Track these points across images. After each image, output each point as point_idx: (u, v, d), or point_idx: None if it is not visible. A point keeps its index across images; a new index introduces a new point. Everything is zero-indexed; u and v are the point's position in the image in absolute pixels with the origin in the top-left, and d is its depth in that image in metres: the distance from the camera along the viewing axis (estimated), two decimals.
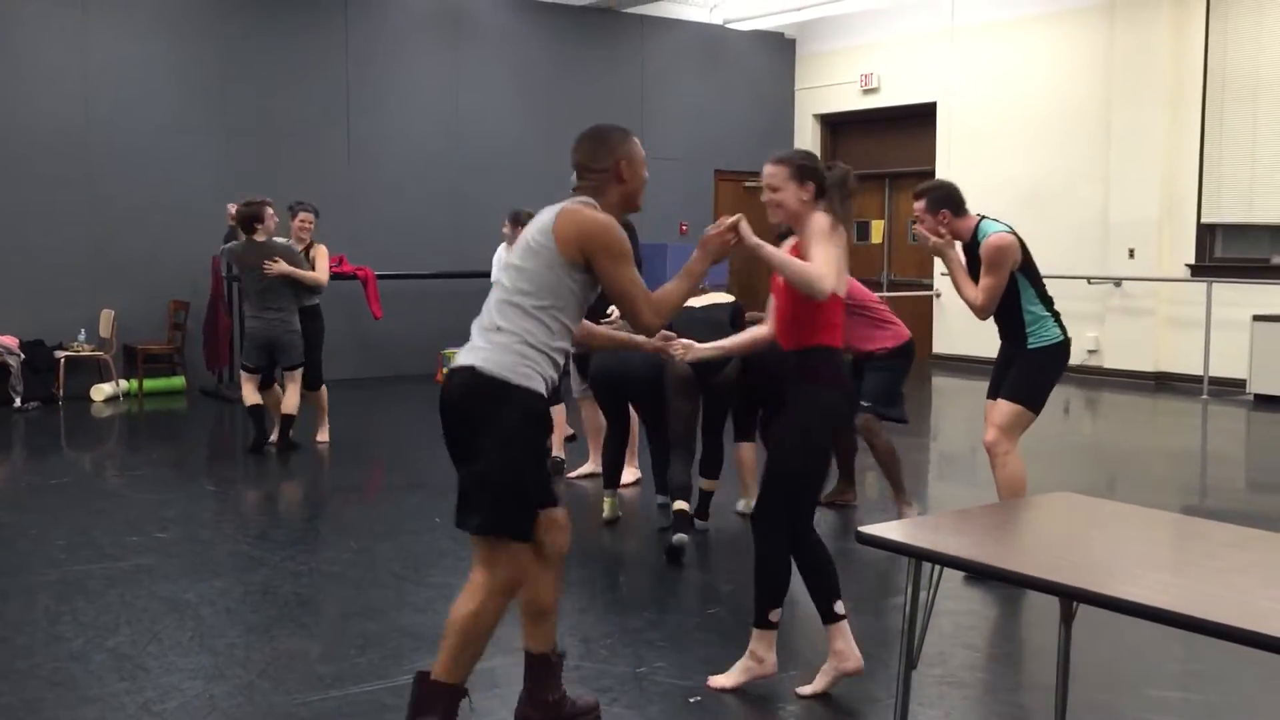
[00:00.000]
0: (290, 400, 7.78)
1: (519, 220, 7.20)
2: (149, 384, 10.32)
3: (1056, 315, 5.04)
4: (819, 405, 3.49)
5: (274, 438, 7.87)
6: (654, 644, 4.17)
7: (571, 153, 3.27)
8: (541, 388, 3.05)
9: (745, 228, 3.26)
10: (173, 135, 10.59)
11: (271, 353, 7.69)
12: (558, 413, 7.63)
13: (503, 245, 7.90)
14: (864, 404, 5.56)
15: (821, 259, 3.37)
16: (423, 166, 11.79)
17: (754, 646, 3.69)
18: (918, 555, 2.55)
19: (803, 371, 3.54)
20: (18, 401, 9.54)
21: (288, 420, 7.79)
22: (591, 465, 7.09)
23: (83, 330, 10.18)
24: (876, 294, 6.29)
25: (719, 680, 3.72)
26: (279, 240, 7.77)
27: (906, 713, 2.72)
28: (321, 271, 7.81)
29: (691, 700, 3.66)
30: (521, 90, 12.51)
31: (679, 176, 13.60)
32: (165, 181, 10.55)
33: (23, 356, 9.72)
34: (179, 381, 10.54)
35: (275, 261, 7.53)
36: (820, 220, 3.53)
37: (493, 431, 2.98)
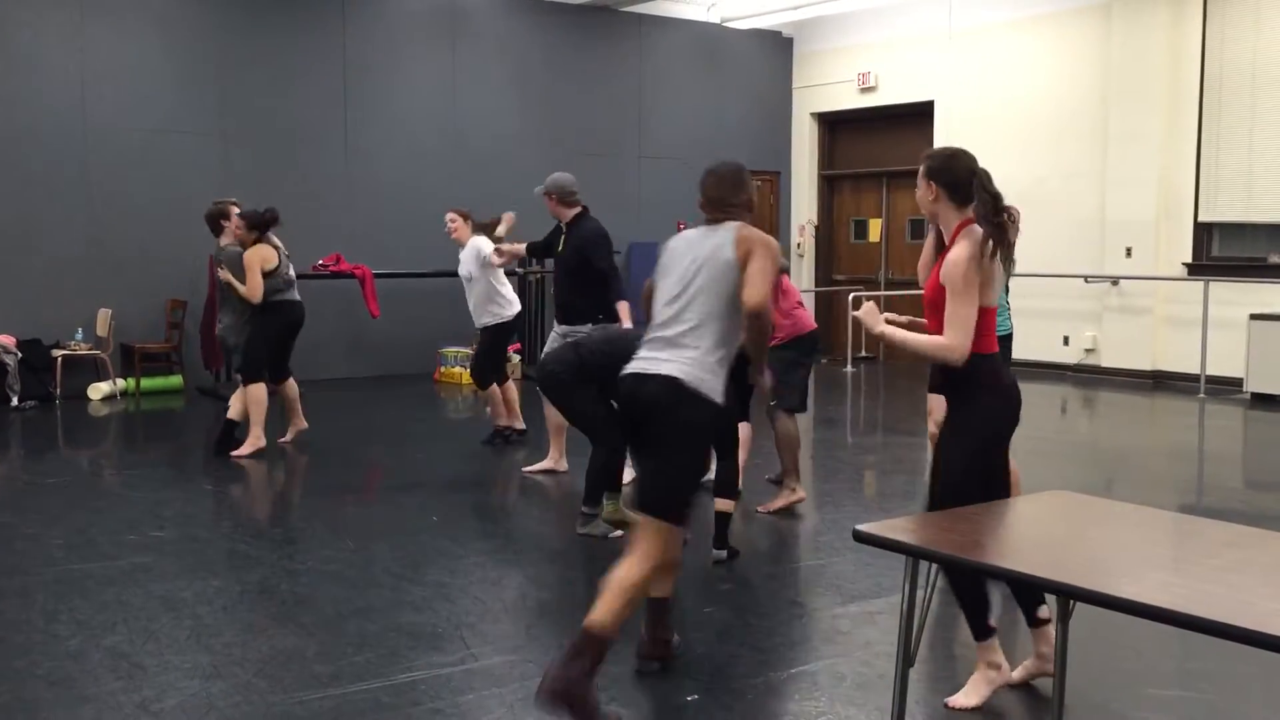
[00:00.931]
0: (233, 407, 7.72)
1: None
2: (146, 383, 10.31)
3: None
4: (985, 411, 3.44)
5: (286, 437, 8.01)
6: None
7: (705, 187, 3.86)
8: (720, 400, 3.61)
9: (865, 318, 3.52)
10: (170, 135, 10.58)
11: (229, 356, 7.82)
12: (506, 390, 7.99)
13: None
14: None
15: (950, 321, 3.33)
16: (420, 165, 11.78)
17: (987, 658, 3.54)
18: (915, 554, 2.55)
19: (963, 380, 3.43)
20: (15, 400, 9.53)
21: (225, 424, 7.69)
22: (550, 462, 7.11)
23: (80, 329, 10.17)
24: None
25: (959, 700, 3.51)
26: (233, 247, 7.70)
27: (904, 710, 2.72)
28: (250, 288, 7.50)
29: (689, 699, 3.66)
30: (519, 89, 12.50)
31: (676, 175, 13.58)
32: (162, 181, 10.54)
33: (20, 355, 9.70)
34: (176, 380, 10.53)
35: (222, 268, 7.62)
36: (959, 251, 3.43)
37: (680, 435, 3.56)
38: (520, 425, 8.09)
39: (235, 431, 7.68)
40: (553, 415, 6.94)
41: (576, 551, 5.41)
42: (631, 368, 3.66)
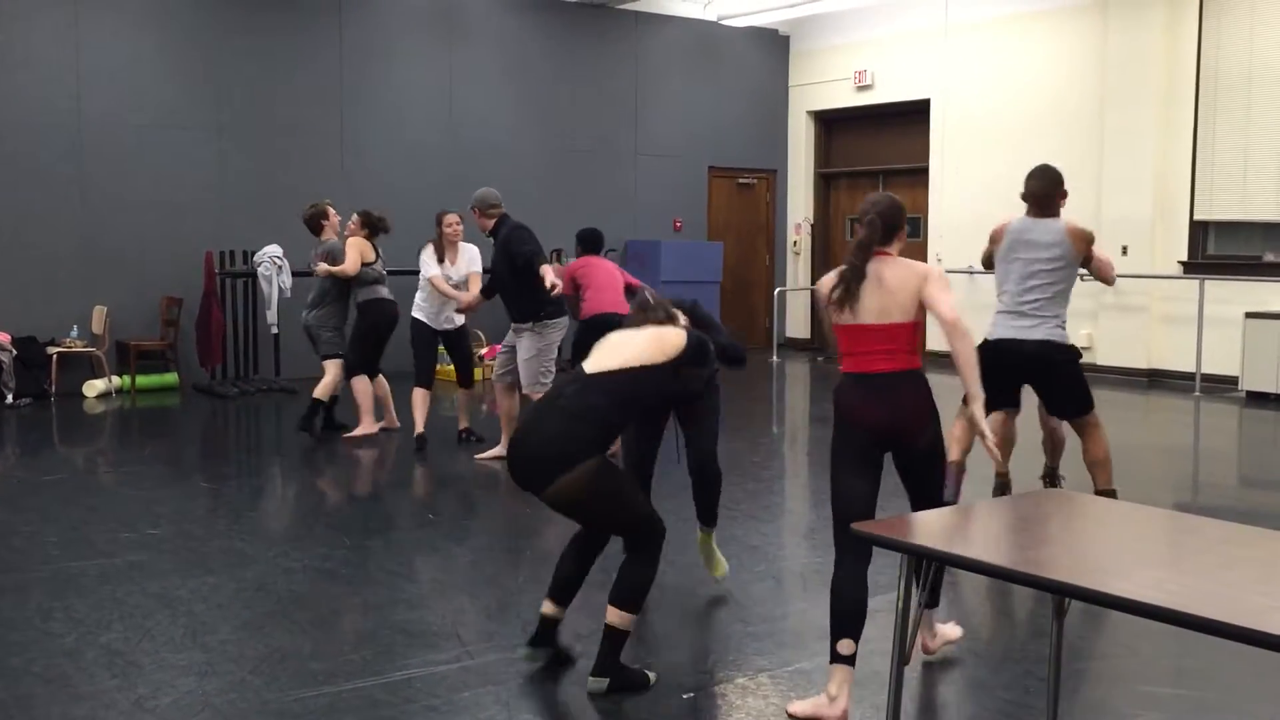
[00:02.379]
0: (319, 387, 8.16)
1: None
2: (142, 380, 10.30)
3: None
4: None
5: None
6: (645, 640, 4.17)
7: (1034, 182, 5.54)
8: None
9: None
10: (166, 131, 10.57)
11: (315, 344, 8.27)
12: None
13: (430, 246, 7.82)
14: None
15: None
16: (418, 162, 11.77)
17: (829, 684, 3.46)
18: (911, 552, 2.55)
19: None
20: (10, 398, 9.51)
21: (311, 404, 8.13)
22: (502, 449, 7.16)
23: (75, 326, 10.15)
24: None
25: (794, 708, 3.49)
26: (333, 241, 8.29)
27: (899, 707, 2.72)
28: (348, 263, 8.07)
29: (685, 697, 3.66)
30: (516, 86, 12.49)
31: (673, 173, 13.61)
32: (158, 177, 10.52)
33: (15, 353, 9.69)
34: (172, 378, 10.51)
35: (319, 262, 8.14)
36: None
37: (1069, 371, 5.31)
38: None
39: (320, 410, 8.12)
40: (506, 404, 7.28)
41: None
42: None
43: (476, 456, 7.35)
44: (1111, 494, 5.36)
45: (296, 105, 11.19)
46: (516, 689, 3.68)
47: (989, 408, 4.29)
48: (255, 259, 10.20)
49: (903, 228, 3.69)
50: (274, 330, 10.23)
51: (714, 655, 4.07)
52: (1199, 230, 11.13)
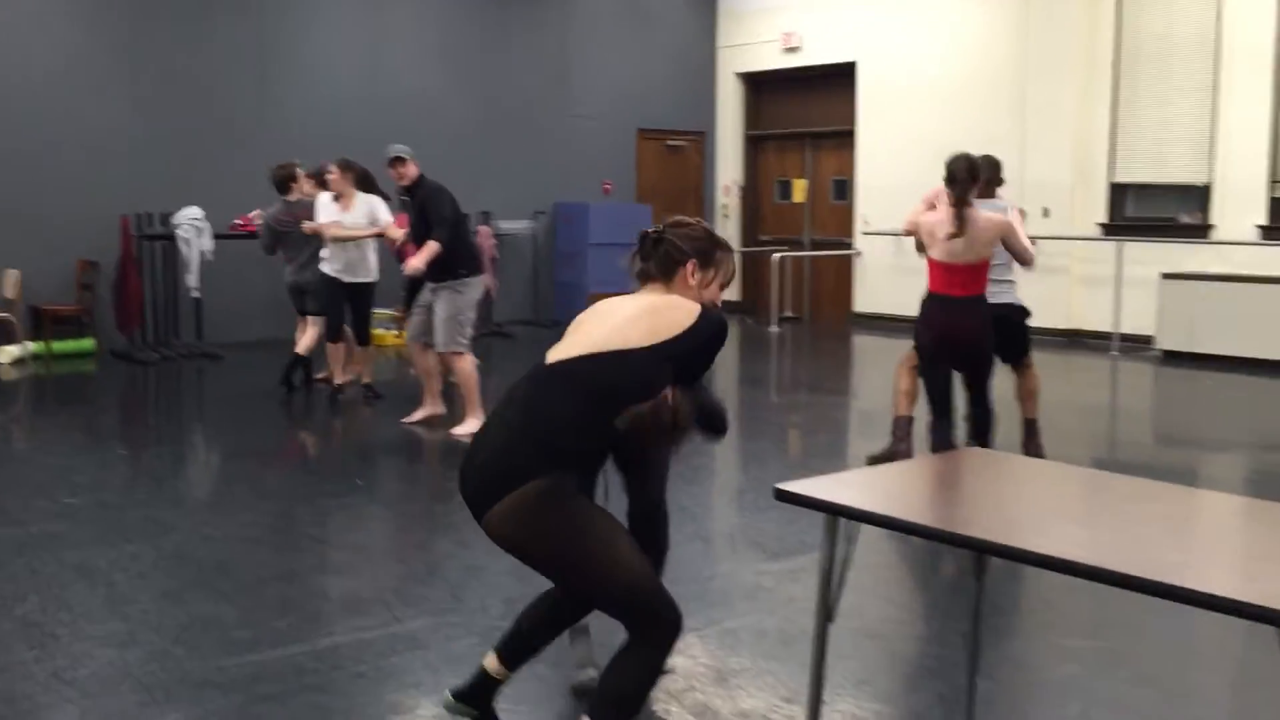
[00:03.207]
0: (304, 342, 8.27)
1: (350, 167, 7.74)
2: (57, 346, 10.03)
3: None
4: None
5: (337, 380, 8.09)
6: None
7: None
8: None
9: None
10: (79, 90, 10.23)
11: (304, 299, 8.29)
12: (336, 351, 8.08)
13: (328, 195, 7.82)
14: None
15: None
16: (340, 123, 11.52)
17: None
18: (834, 511, 2.58)
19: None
20: None
21: (292, 358, 8.24)
22: (429, 409, 7.29)
23: None
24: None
25: None
26: (305, 200, 8.20)
27: (823, 664, 2.76)
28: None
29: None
30: (441, 46, 12.29)
31: (602, 135, 13.52)
32: (70, 138, 10.19)
33: None
34: (89, 343, 10.25)
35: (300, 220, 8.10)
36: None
37: (1024, 328, 6.20)
38: (344, 379, 8.14)
39: (299, 365, 8.23)
40: (423, 363, 7.23)
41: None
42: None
43: (403, 420, 7.29)
44: (1035, 423, 6.29)
45: (215, 64, 10.90)
46: (445, 654, 3.67)
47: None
48: (174, 221, 9.97)
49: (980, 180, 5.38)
50: (195, 294, 10.02)
51: None
52: (1117, 193, 11.36)
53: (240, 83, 11.05)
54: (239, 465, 6.56)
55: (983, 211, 5.41)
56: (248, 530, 5.05)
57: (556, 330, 12.49)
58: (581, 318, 2.82)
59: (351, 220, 7.69)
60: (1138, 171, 11.21)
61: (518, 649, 2.95)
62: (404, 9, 12.02)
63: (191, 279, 9.87)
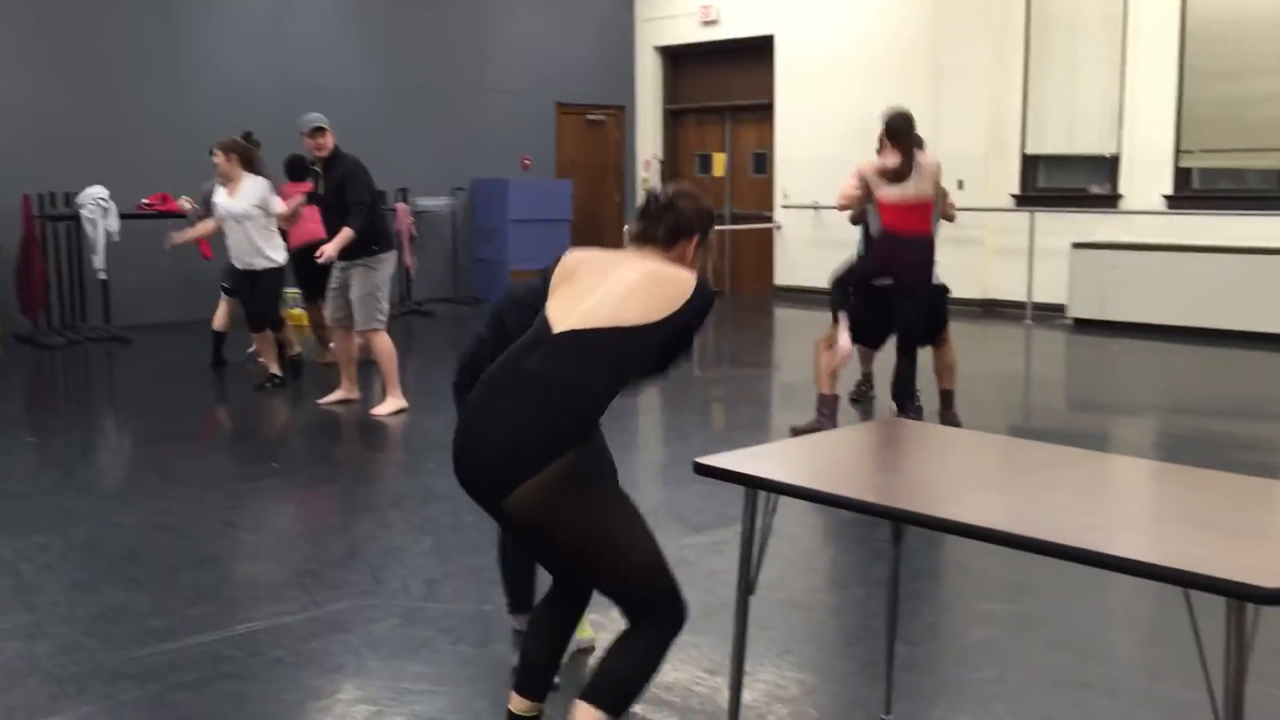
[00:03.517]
0: (217, 319, 8.46)
1: (234, 148, 7.43)
2: None
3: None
4: None
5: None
6: (499, 581, 4.14)
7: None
8: None
9: None
10: None
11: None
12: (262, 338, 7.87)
13: (217, 181, 7.59)
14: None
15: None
16: (249, 100, 11.25)
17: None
18: (752, 484, 2.58)
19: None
20: None
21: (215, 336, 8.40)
22: (344, 392, 7.20)
23: None
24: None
25: None
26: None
27: (744, 634, 2.77)
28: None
29: None
30: (353, 22, 12.06)
31: (520, 110, 13.39)
32: None
33: None
34: None
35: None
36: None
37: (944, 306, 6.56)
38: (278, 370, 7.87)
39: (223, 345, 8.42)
40: (345, 347, 7.10)
41: (419, 495, 5.34)
42: None
43: (319, 402, 7.18)
44: (951, 394, 6.51)
45: (119, 40, 10.57)
46: (366, 637, 3.62)
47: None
48: (78, 201, 9.67)
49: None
50: (102, 276, 9.74)
51: None
52: (1029, 164, 11.55)
53: (145, 59, 10.73)
54: (150, 451, 6.40)
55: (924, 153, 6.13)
56: (160, 517, 4.94)
57: (478, 308, 12.46)
58: (572, 270, 2.61)
59: (240, 207, 7.37)
60: (1049, 143, 11.41)
61: (537, 679, 2.74)
62: None
63: (98, 260, 9.60)
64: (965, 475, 2.59)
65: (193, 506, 5.10)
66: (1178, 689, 3.22)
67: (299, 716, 3.12)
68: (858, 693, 3.24)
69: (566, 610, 2.75)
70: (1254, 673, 2.06)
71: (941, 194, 6.48)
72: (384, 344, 6.86)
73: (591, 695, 2.47)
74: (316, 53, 11.74)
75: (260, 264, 7.52)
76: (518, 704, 2.72)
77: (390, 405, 6.88)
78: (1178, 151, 10.54)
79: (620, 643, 2.54)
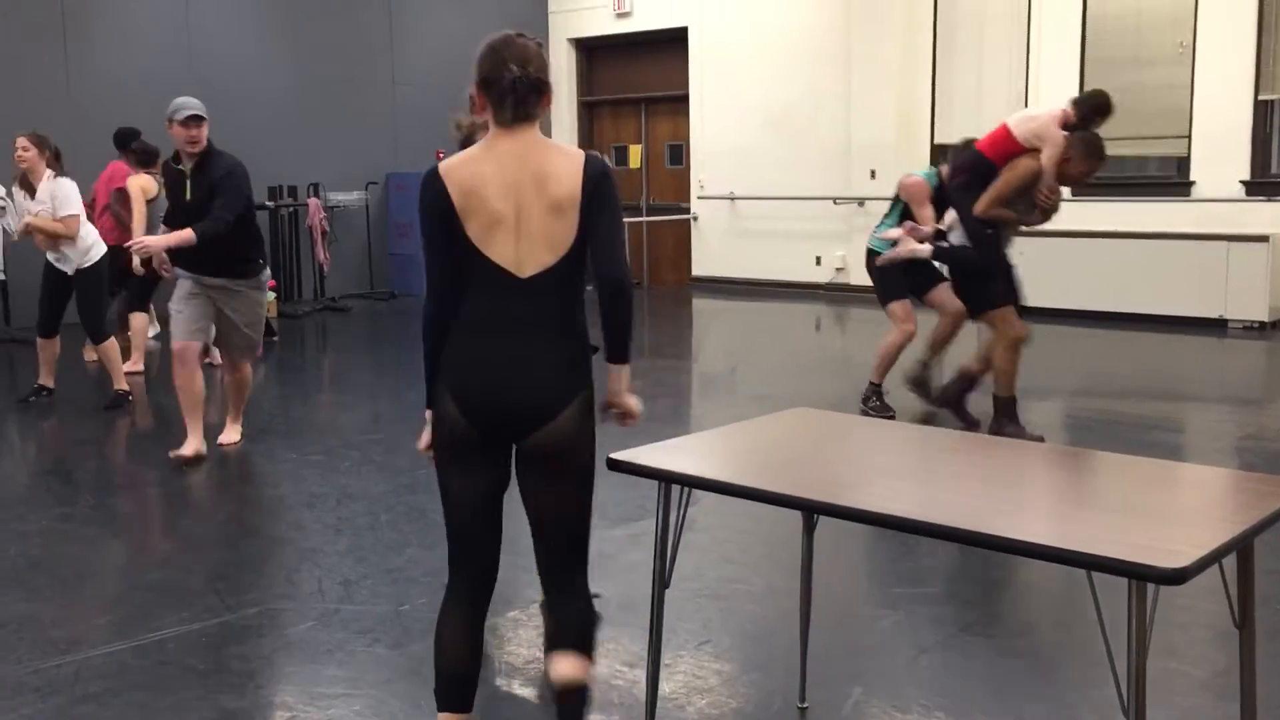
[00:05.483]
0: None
1: (44, 142, 6.98)
2: None
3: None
4: None
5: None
6: (417, 580, 4.11)
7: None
8: None
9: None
10: None
11: None
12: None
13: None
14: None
15: None
16: (151, 92, 10.95)
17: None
18: (665, 478, 2.59)
19: None
20: None
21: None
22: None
23: None
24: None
25: None
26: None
27: (660, 627, 2.78)
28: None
29: None
30: (260, 14, 11.82)
31: (432, 103, 13.23)
32: None
33: None
34: None
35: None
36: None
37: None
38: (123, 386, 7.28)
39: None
40: (189, 386, 5.83)
41: (335, 495, 5.26)
42: None
43: (172, 453, 6.62)
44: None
45: (15, 29, 10.23)
46: (280, 641, 3.56)
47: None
48: None
49: None
50: None
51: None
52: (939, 154, 11.74)
53: (43, 51, 10.41)
54: (53, 455, 6.22)
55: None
56: (63, 524, 4.80)
57: (393, 303, 12.19)
58: (481, 200, 2.47)
59: (37, 207, 6.91)
60: (957, 132, 11.58)
61: (464, 687, 2.61)
62: None
63: None
64: (872, 463, 2.62)
65: (99, 512, 4.97)
66: (1085, 668, 3.30)
67: None
68: (775, 681, 3.27)
69: (479, 608, 2.65)
70: (1157, 649, 2.12)
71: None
72: (249, 372, 6.19)
73: (580, 644, 2.58)
74: (223, 45, 11.49)
75: (67, 267, 7.03)
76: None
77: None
78: None
79: (579, 591, 2.64)
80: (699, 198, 13.45)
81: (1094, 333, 9.69)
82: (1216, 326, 9.82)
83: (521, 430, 2.52)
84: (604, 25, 14.05)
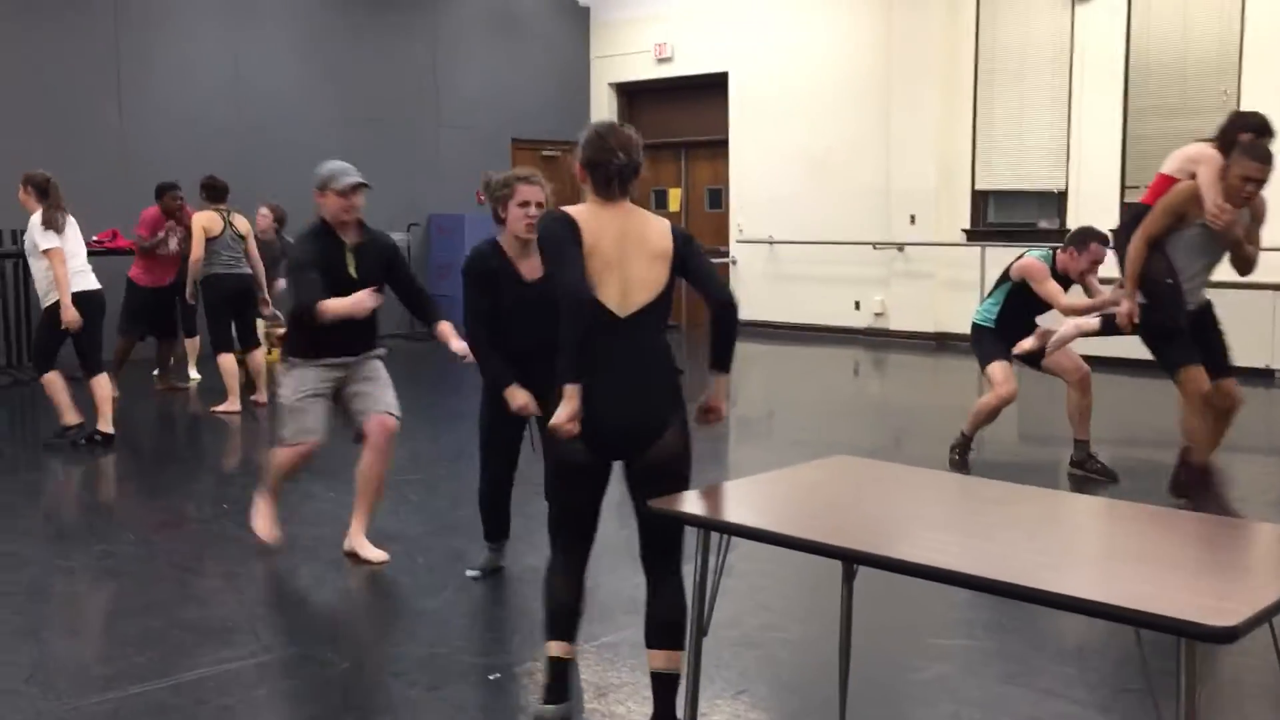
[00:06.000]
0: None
1: (25, 181, 6.83)
2: None
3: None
4: None
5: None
6: (450, 622, 4.11)
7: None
8: None
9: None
10: None
11: None
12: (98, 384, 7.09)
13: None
14: None
15: None
16: (203, 138, 11.19)
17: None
18: (705, 525, 2.58)
19: None
20: None
21: None
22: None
23: None
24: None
25: None
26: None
27: (699, 676, 2.76)
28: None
29: (491, 678, 3.62)
30: (308, 57, 12.03)
31: (476, 145, 13.40)
32: None
33: None
34: None
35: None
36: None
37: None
38: (108, 429, 7.09)
39: None
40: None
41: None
42: None
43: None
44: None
45: (69, 77, 10.46)
46: (316, 684, 3.56)
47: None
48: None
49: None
50: None
51: (519, 634, 4.03)
52: (979, 199, 11.72)
53: (96, 98, 10.63)
54: (97, 494, 6.29)
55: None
56: (105, 561, 4.84)
57: (431, 345, 12.15)
58: (598, 245, 2.98)
59: (28, 244, 6.87)
60: (998, 179, 11.60)
61: (570, 621, 3.19)
62: (266, 19, 11.74)
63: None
64: (914, 514, 2.60)
65: (140, 549, 5.01)
66: None
67: None
68: None
69: (583, 557, 3.22)
70: (1208, 705, 2.08)
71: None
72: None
73: (673, 641, 3.05)
74: (271, 86, 11.70)
75: (47, 301, 6.92)
76: (557, 649, 3.15)
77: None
78: (1123, 186, 10.73)
79: (676, 586, 3.12)
80: (738, 241, 13.48)
81: (1139, 381, 9.58)
82: (1264, 376, 9.68)
83: (632, 450, 3.03)
84: (645, 70, 14.17)
